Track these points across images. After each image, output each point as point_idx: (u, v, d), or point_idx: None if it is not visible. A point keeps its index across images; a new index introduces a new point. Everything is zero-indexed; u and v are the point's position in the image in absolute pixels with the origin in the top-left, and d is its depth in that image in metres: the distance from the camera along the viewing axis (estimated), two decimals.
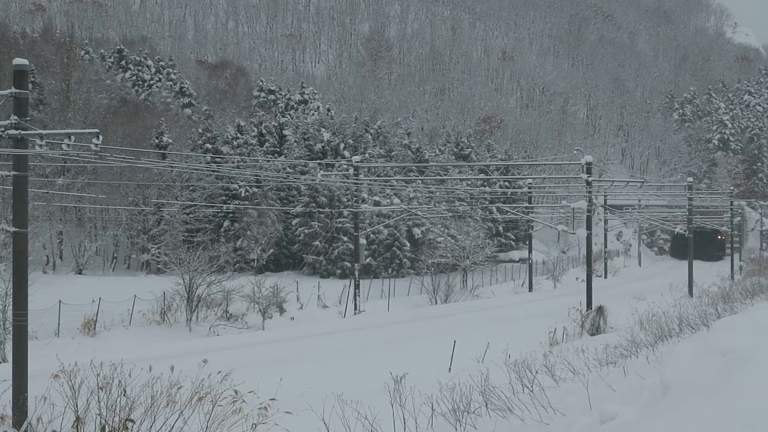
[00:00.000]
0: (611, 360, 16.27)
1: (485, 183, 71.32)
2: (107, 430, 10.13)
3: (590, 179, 36.10)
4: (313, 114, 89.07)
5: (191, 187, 60.39)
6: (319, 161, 56.82)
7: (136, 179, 55.80)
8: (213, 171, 48.34)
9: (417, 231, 64.78)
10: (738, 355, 6.62)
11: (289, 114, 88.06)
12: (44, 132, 16.33)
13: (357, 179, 41.09)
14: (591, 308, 33.56)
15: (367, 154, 65.79)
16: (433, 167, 69.01)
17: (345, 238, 60.03)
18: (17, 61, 16.02)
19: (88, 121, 59.14)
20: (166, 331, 32.34)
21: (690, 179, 56.47)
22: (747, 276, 51.59)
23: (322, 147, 67.52)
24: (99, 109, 64.68)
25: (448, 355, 21.81)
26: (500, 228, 76.69)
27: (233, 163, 56.64)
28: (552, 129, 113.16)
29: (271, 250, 61.09)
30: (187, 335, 32.13)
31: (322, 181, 50.38)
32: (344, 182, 47.47)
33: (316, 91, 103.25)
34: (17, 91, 15.57)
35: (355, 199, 45.35)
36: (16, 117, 15.54)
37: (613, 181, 57.57)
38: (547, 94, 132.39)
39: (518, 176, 75.50)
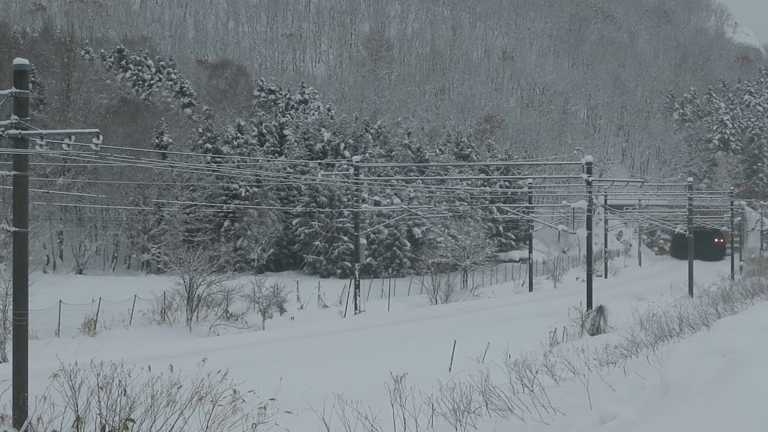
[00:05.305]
0: (611, 360, 16.27)
1: (485, 183, 71.34)
2: (107, 429, 10.13)
3: (590, 179, 36.11)
4: (313, 114, 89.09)
5: (191, 187, 60.39)
6: (319, 161, 56.84)
7: (137, 179, 55.79)
8: (213, 171, 48.36)
9: (417, 231, 64.78)
10: (738, 355, 6.62)
11: (290, 114, 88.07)
12: (44, 132, 16.33)
13: (357, 179, 41.09)
14: (591, 308, 33.57)
15: (367, 154, 65.79)
16: (433, 167, 69.02)
17: (345, 238, 60.03)
18: (17, 60, 16.03)
19: (88, 121, 59.13)
20: (166, 330, 32.33)
21: (690, 179, 56.48)
22: (747, 276, 51.58)
23: (323, 147, 67.53)
24: (99, 108, 64.65)
25: (449, 355, 21.80)
26: (500, 228, 76.68)
27: (233, 162, 56.65)
28: (552, 129, 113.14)
29: (272, 250, 61.10)
30: (187, 335, 32.12)
31: (323, 180, 50.43)
32: (344, 182, 47.48)
33: (316, 91, 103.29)
34: (17, 90, 15.57)
35: (355, 198, 45.35)
36: (16, 117, 15.55)
37: (613, 181, 57.59)
38: (547, 94, 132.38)
39: (518, 176, 75.49)
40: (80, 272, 54.69)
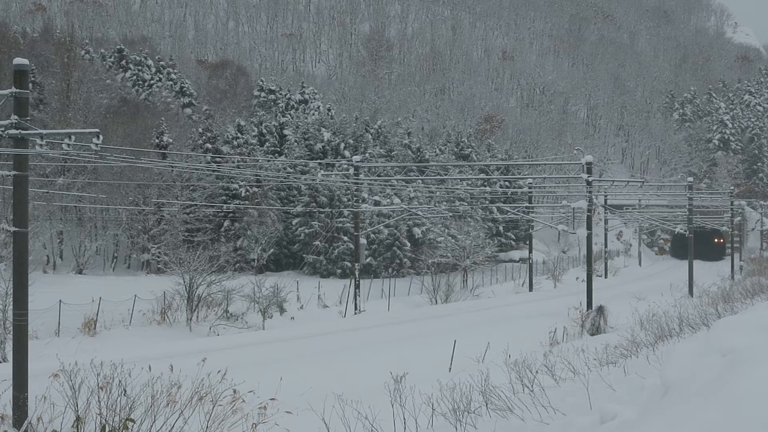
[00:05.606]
0: (611, 360, 16.27)
1: (485, 183, 71.34)
2: (107, 429, 10.13)
3: (590, 179, 36.11)
4: (313, 114, 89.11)
5: (191, 187, 60.38)
6: (319, 161, 56.84)
7: (137, 179, 55.79)
8: (213, 171, 48.35)
9: (417, 231, 64.77)
10: (738, 355, 6.61)
11: (290, 114, 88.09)
12: (44, 132, 16.33)
13: (357, 179, 41.09)
14: (591, 308, 33.57)
15: (367, 154, 65.80)
16: (433, 167, 69.02)
17: (345, 238, 60.03)
18: (17, 60, 16.03)
19: (88, 121, 59.13)
20: (166, 330, 32.33)
21: (690, 179, 56.48)
22: (747, 276, 51.58)
23: (323, 147, 67.53)
24: (99, 108, 64.64)
25: (449, 355, 21.79)
26: (500, 228, 76.68)
27: (233, 162, 56.66)
28: (552, 129, 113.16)
29: (272, 250, 61.11)
30: (187, 335, 32.12)
31: (323, 180, 50.43)
32: (344, 182, 47.49)
33: (316, 91, 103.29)
34: (18, 90, 15.57)
35: (355, 198, 45.35)
36: (16, 117, 15.54)
37: (613, 181, 57.55)
38: (547, 94, 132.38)
39: (518, 176, 75.50)
40: (80, 272, 54.68)
